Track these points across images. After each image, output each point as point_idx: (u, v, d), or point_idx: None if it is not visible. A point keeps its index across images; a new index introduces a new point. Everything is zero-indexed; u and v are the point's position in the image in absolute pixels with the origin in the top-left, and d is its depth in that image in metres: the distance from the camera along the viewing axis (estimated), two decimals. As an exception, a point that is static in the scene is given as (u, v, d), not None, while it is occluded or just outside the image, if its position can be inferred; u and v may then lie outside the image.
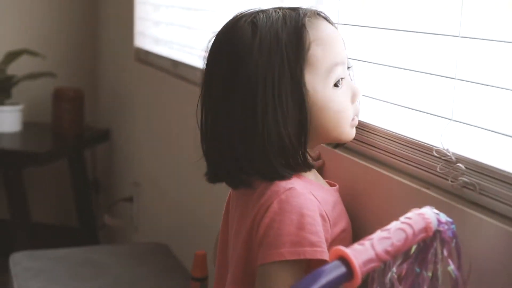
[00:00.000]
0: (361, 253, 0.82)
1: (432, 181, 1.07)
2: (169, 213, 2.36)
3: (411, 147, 1.11)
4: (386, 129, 1.17)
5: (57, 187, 3.09)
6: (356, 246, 0.83)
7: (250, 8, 1.11)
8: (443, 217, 0.90)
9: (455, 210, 0.99)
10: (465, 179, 0.99)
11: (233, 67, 1.05)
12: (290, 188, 1.04)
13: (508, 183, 0.93)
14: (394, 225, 0.87)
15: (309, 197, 1.04)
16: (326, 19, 1.11)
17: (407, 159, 1.12)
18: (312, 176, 1.13)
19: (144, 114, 2.54)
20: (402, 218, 0.88)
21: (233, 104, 1.05)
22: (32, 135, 2.80)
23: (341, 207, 1.14)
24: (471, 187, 0.98)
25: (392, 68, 1.17)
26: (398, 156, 1.14)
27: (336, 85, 1.08)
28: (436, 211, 0.90)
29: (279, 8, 1.10)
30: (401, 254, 0.88)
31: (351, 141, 1.18)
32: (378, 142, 1.19)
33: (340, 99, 1.09)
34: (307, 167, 1.09)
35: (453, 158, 1.01)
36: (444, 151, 1.03)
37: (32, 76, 2.78)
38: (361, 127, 1.22)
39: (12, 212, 2.58)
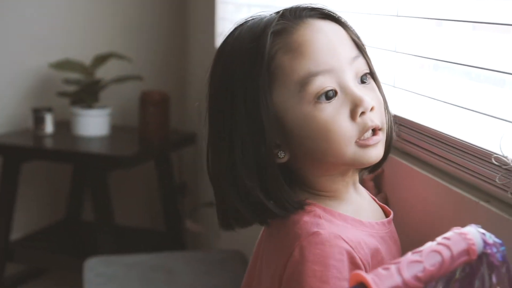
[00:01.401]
0: (384, 278, 0.71)
1: (492, 193, 0.93)
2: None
3: (468, 153, 0.97)
4: (440, 132, 1.04)
5: (144, 190, 3.08)
6: (380, 270, 0.72)
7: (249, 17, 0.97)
8: (491, 238, 0.76)
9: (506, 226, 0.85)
10: (528, 192, 0.85)
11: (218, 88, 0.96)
12: (313, 233, 0.88)
13: None
14: (428, 246, 0.75)
15: (336, 243, 0.87)
16: (326, 17, 0.94)
17: (465, 167, 0.98)
18: (349, 207, 0.95)
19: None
20: (439, 238, 0.76)
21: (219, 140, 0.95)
22: (119, 138, 2.80)
23: (387, 250, 0.95)
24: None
25: (442, 63, 1.04)
26: (456, 163, 1.01)
27: (323, 98, 0.89)
28: (483, 230, 0.77)
29: (265, 15, 0.96)
30: (444, 278, 0.76)
31: (404, 145, 1.05)
32: (433, 146, 1.06)
33: (325, 115, 0.89)
34: (299, 207, 0.93)
35: (513, 167, 0.87)
36: (504, 158, 0.89)
37: (119, 80, 2.78)
38: (415, 129, 1.09)
39: (96, 215, 2.58)
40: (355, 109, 0.89)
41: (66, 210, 2.97)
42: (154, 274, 2.03)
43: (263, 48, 0.89)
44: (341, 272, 0.86)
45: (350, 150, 0.90)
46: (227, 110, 0.91)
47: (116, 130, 2.83)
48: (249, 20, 0.95)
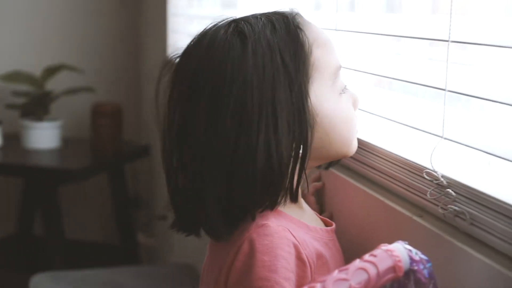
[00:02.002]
0: (309, 297, 0.70)
1: (425, 207, 0.93)
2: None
3: (402, 167, 0.97)
4: (375, 145, 1.04)
5: (97, 204, 3.04)
6: (305, 289, 0.71)
7: (222, 19, 0.96)
8: (417, 255, 0.76)
9: (446, 244, 0.85)
10: (456, 207, 0.85)
11: (222, 86, 0.88)
12: (262, 225, 0.88)
13: (502, 214, 0.78)
14: (355, 264, 0.74)
15: (285, 235, 0.88)
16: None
17: (399, 181, 0.98)
18: (294, 210, 0.95)
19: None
20: (366, 256, 0.75)
21: (222, 130, 0.87)
22: (71, 151, 2.76)
23: (332, 253, 0.96)
24: (462, 217, 0.84)
25: (376, 77, 1.04)
26: (390, 177, 1.00)
27: (343, 91, 0.95)
28: (409, 247, 0.77)
29: (259, 14, 0.97)
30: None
31: (345, 159, 1.04)
32: (370, 160, 1.06)
33: (347, 107, 0.96)
34: (293, 198, 0.93)
35: (444, 182, 0.87)
36: (434, 173, 0.89)
37: (70, 91, 2.74)
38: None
39: (47, 229, 2.54)
40: (355, 103, 0.97)
41: (17, 225, 2.91)
42: (103, 289, 2.00)
43: (303, 42, 0.91)
44: (289, 263, 0.86)
45: (355, 139, 0.97)
46: (266, 96, 0.87)
47: (68, 142, 2.79)
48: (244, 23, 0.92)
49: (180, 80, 0.92)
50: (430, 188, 0.90)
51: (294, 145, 0.89)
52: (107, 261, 2.70)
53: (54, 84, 2.75)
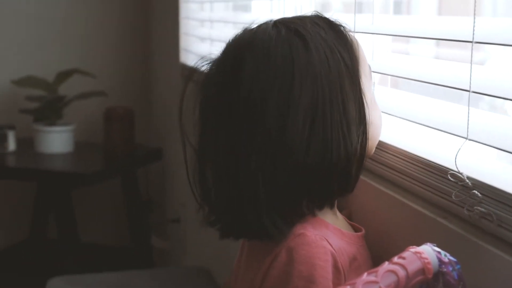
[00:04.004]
0: (339, 300, 0.70)
1: (450, 209, 0.93)
2: (215, 236, 2.26)
3: (426, 169, 0.97)
4: (398, 147, 1.03)
5: (110, 207, 3.05)
6: (334, 292, 0.71)
7: (257, 22, 0.95)
8: (446, 256, 0.76)
9: (471, 245, 0.84)
10: (482, 209, 0.85)
11: (292, 83, 0.87)
12: (300, 234, 0.88)
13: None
14: (384, 266, 0.74)
15: (322, 245, 0.88)
16: None
17: (423, 183, 0.98)
18: (330, 217, 0.96)
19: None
20: (395, 258, 0.75)
21: (295, 126, 0.86)
22: (83, 155, 2.77)
23: (364, 259, 0.96)
24: (489, 218, 0.84)
25: (399, 79, 1.04)
26: (414, 179, 1.00)
27: None
28: (438, 249, 0.76)
29: (292, 17, 0.96)
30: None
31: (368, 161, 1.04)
32: (392, 162, 1.06)
33: (378, 107, 0.99)
34: (349, 192, 0.93)
35: (469, 183, 0.87)
36: (459, 175, 0.88)
37: (83, 96, 2.75)
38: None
39: (60, 233, 2.54)
40: None
41: (31, 229, 2.92)
42: (119, 293, 2.00)
43: (351, 40, 0.94)
44: (328, 272, 0.86)
45: None
46: (334, 89, 0.88)
47: (81, 146, 2.80)
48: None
49: (237, 84, 0.90)
50: (455, 190, 0.90)
51: (358, 138, 0.90)
52: (121, 264, 2.71)
53: (67, 89, 2.76)
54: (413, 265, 0.74)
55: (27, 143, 2.74)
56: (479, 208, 0.85)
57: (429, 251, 0.75)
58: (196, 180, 0.98)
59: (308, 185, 0.88)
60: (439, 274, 0.75)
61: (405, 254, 0.75)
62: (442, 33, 0.93)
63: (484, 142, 0.86)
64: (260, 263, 0.92)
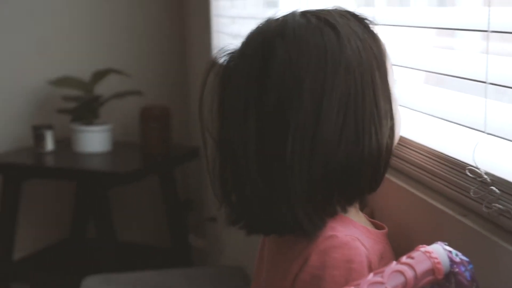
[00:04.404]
0: (342, 302, 0.67)
1: (469, 205, 0.89)
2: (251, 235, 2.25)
3: (444, 164, 0.93)
4: (417, 142, 1.00)
5: (149, 206, 3.06)
6: (339, 293, 0.68)
7: (279, 13, 0.93)
8: (457, 256, 0.72)
9: (490, 243, 0.81)
10: (500, 206, 0.81)
11: (325, 71, 0.85)
12: (330, 237, 0.86)
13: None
14: (391, 266, 0.71)
15: (355, 246, 0.85)
16: None
17: (441, 178, 0.95)
18: (354, 215, 0.93)
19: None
20: (403, 258, 0.72)
21: (328, 115, 0.84)
22: (121, 154, 2.78)
23: (389, 257, 0.93)
24: (507, 215, 0.80)
25: (413, 70, 1.00)
26: (431, 174, 0.97)
27: None
28: (449, 248, 0.73)
29: (318, 10, 0.94)
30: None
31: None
32: (411, 157, 1.02)
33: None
34: (376, 188, 0.91)
35: (488, 179, 0.83)
36: (477, 170, 0.85)
37: (118, 95, 2.76)
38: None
39: (98, 232, 2.56)
40: None
41: (71, 228, 2.95)
42: (152, 292, 2.00)
43: (377, 34, 0.92)
44: (363, 275, 0.83)
45: None
46: (366, 79, 0.87)
47: (118, 146, 2.81)
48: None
49: (263, 73, 0.87)
50: (473, 186, 0.86)
51: (387, 132, 0.89)
52: (159, 263, 2.71)
53: (103, 88, 2.78)
54: (422, 265, 0.70)
55: (65, 143, 2.77)
56: (497, 205, 0.81)
57: (439, 250, 0.72)
58: (217, 175, 0.96)
59: (339, 178, 0.86)
60: (450, 275, 0.72)
61: (414, 253, 0.72)
62: (455, 23, 0.90)
63: (502, 136, 0.82)
64: (289, 264, 0.90)
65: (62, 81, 2.76)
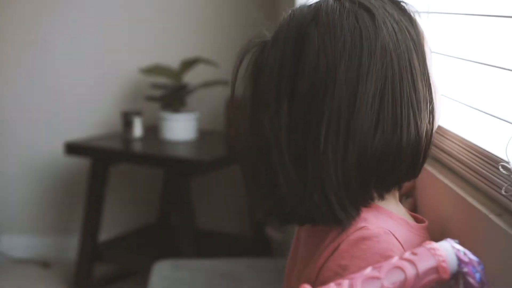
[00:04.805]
0: (334, 296, 0.64)
1: (504, 204, 0.83)
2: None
3: (480, 158, 0.88)
4: (454, 132, 0.95)
5: (233, 197, 3.07)
6: (332, 285, 0.65)
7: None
8: (466, 256, 0.67)
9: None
10: (528, 205, 0.75)
11: (361, 54, 0.83)
12: (362, 228, 0.83)
13: None
14: (392, 261, 0.67)
15: (386, 239, 0.82)
16: None
17: (478, 174, 0.89)
18: (393, 206, 0.89)
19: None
20: (407, 254, 0.68)
21: (365, 99, 0.81)
22: (206, 143, 2.81)
23: None
24: (535, 216, 0.74)
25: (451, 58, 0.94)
26: (470, 169, 0.91)
27: None
28: (459, 246, 0.68)
29: None
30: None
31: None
32: (449, 148, 0.97)
33: None
34: (415, 176, 0.87)
35: (520, 176, 0.77)
36: (510, 166, 0.79)
37: (206, 85, 2.78)
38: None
39: (178, 218, 2.60)
40: None
41: (157, 214, 3.01)
42: (221, 280, 2.00)
43: (416, 20, 0.90)
44: None
45: None
46: (403, 63, 0.84)
47: (203, 134, 2.84)
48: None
49: (301, 58, 0.85)
50: (506, 183, 0.80)
51: (427, 118, 0.85)
52: (239, 253, 2.72)
53: (191, 77, 2.81)
54: (425, 263, 0.66)
55: (153, 130, 2.82)
56: (525, 204, 0.75)
57: (447, 248, 0.67)
58: (250, 164, 0.94)
59: (377, 165, 0.83)
60: (459, 275, 0.67)
61: (418, 250, 0.67)
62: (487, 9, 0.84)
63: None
64: (320, 254, 0.87)
65: (152, 69, 2.82)
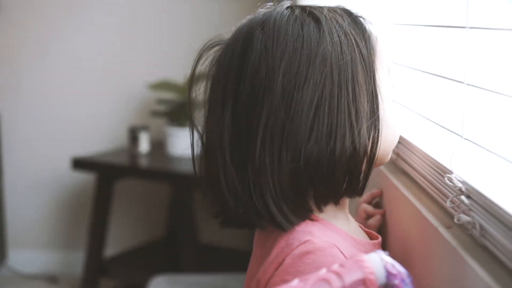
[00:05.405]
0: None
1: (450, 216, 0.82)
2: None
3: (432, 168, 0.87)
4: (412, 143, 0.94)
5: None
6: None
7: (269, 6, 0.91)
8: (394, 268, 0.66)
9: (457, 259, 0.74)
10: (468, 218, 0.74)
11: (299, 62, 0.83)
12: (306, 242, 0.81)
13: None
14: (318, 273, 0.66)
15: (332, 253, 0.80)
16: None
17: (432, 184, 0.88)
18: (341, 222, 0.88)
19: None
20: (335, 266, 0.67)
21: (299, 108, 0.81)
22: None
23: None
24: (475, 229, 0.73)
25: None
26: (425, 179, 0.90)
27: None
28: (388, 258, 0.67)
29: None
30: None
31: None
32: (410, 160, 0.96)
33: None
34: (361, 192, 0.86)
35: (463, 188, 0.76)
36: (454, 178, 0.78)
37: (212, 100, 2.80)
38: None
39: (180, 233, 2.61)
40: None
41: (164, 228, 3.02)
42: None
43: (370, 31, 0.89)
44: None
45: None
46: (343, 74, 0.83)
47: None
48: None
49: (241, 62, 0.86)
50: (452, 194, 0.79)
51: (368, 133, 0.83)
52: (240, 267, 2.71)
53: (198, 93, 2.82)
54: (352, 275, 0.65)
55: (160, 145, 2.84)
56: (465, 216, 0.74)
57: (375, 260, 0.66)
58: (202, 165, 0.94)
59: (311, 174, 0.82)
60: (387, 287, 0.66)
61: (346, 262, 0.67)
62: (435, 19, 0.83)
63: (479, 144, 0.75)
64: (264, 269, 0.87)
65: (160, 85, 2.83)
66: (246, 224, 0.90)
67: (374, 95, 0.84)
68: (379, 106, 0.84)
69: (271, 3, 0.92)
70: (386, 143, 0.87)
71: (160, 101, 2.81)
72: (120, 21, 2.95)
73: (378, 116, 0.84)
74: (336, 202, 0.86)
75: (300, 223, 0.84)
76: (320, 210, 0.85)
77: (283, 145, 0.81)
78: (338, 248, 0.81)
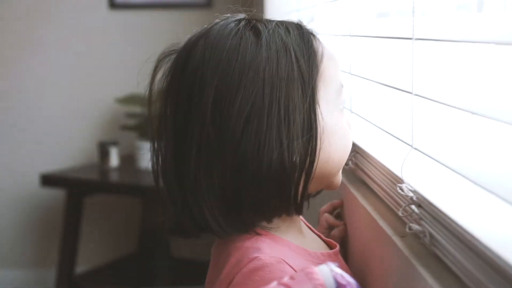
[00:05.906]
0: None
1: (402, 225, 0.83)
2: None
3: (388, 178, 0.87)
4: (368, 152, 0.95)
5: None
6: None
7: (226, 17, 0.91)
8: (344, 278, 0.67)
9: (409, 267, 0.75)
10: (418, 227, 0.75)
11: (231, 77, 0.82)
12: (254, 258, 0.81)
13: (461, 240, 0.67)
14: (269, 286, 0.67)
15: (279, 268, 0.79)
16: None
17: (387, 194, 0.89)
18: (293, 235, 0.88)
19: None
20: (285, 278, 0.68)
21: (228, 122, 0.81)
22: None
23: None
24: (425, 238, 0.74)
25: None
26: (381, 189, 0.91)
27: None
28: (337, 269, 0.68)
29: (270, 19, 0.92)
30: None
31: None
32: (367, 170, 0.97)
33: (346, 126, 0.89)
34: (299, 210, 0.87)
35: (414, 197, 0.77)
36: (405, 187, 0.79)
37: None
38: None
39: (155, 247, 2.60)
40: (349, 126, 0.91)
41: (137, 243, 3.01)
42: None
43: (316, 48, 0.88)
44: None
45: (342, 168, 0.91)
46: (276, 91, 0.82)
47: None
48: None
49: (182, 72, 0.86)
50: (404, 203, 0.80)
51: (303, 151, 0.83)
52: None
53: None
54: (302, 287, 0.66)
55: (130, 159, 2.83)
56: (415, 225, 0.75)
57: (325, 271, 0.67)
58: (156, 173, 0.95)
59: (239, 187, 0.82)
60: (338, 298, 0.67)
61: (296, 274, 0.67)
62: (381, 30, 0.84)
63: (428, 154, 0.76)
64: (218, 284, 0.87)
65: (127, 99, 2.83)
66: (192, 233, 0.90)
67: (312, 111, 0.83)
68: (318, 123, 0.83)
69: (228, 14, 0.93)
70: (332, 160, 0.86)
71: (129, 115, 2.80)
72: (86, 37, 2.95)
73: (314, 133, 0.83)
74: (279, 216, 0.86)
75: (241, 235, 0.84)
76: (268, 224, 0.85)
77: (214, 158, 0.81)
78: (287, 263, 0.80)
